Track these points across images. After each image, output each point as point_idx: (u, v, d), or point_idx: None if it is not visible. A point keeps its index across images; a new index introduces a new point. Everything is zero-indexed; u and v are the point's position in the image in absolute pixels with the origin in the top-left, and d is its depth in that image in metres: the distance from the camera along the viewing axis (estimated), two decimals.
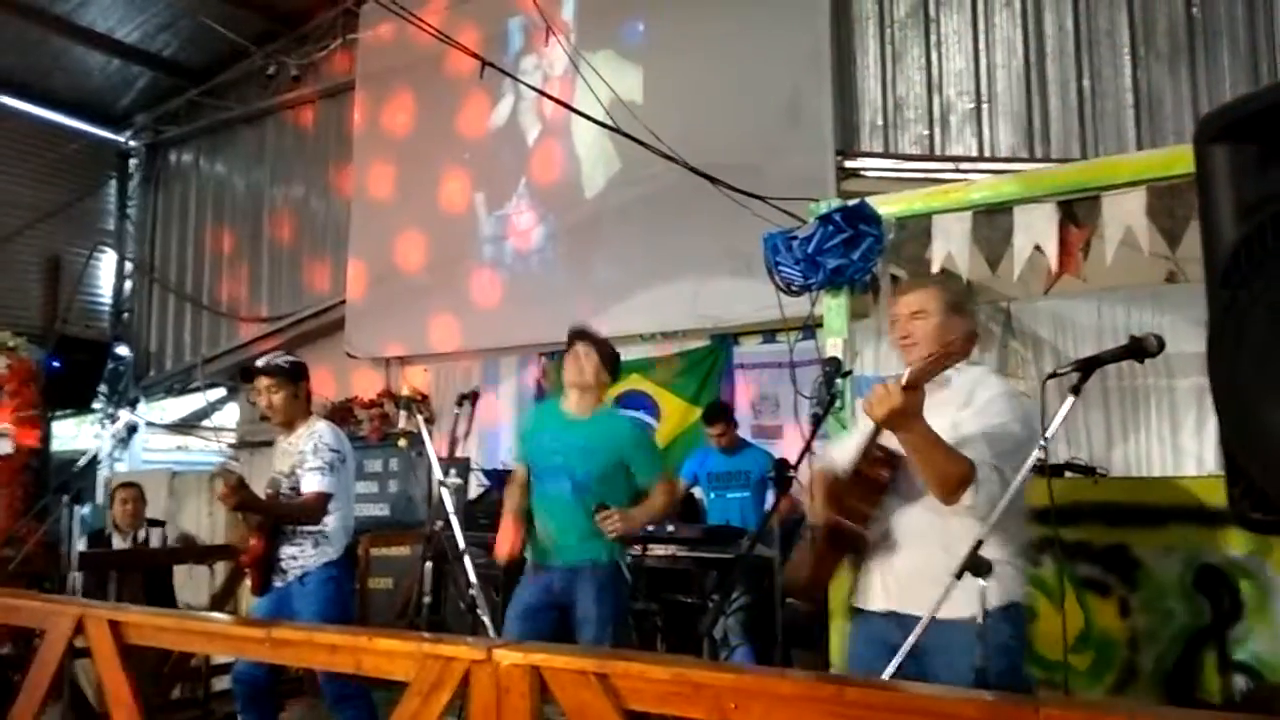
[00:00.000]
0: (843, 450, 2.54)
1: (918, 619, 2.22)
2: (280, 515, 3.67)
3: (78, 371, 9.76)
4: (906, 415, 2.18)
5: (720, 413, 5.72)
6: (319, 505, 3.64)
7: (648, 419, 7.28)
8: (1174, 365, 5.10)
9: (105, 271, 11.21)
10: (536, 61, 8.15)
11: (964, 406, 2.38)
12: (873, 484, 2.40)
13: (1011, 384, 2.40)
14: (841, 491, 2.42)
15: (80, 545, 5.10)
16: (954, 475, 2.22)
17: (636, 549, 4.92)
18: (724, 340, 7.04)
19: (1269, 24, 5.78)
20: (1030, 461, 2.18)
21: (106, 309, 11.16)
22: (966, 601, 2.11)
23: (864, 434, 2.42)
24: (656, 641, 5.13)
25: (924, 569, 2.30)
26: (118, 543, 5.96)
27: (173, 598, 5.88)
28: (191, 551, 6.14)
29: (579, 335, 3.70)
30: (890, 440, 2.33)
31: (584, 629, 3.38)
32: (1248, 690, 2.88)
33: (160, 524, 6.27)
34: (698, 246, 6.91)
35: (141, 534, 6.06)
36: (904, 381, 2.16)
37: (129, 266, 11.23)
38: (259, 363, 3.90)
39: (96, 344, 10.57)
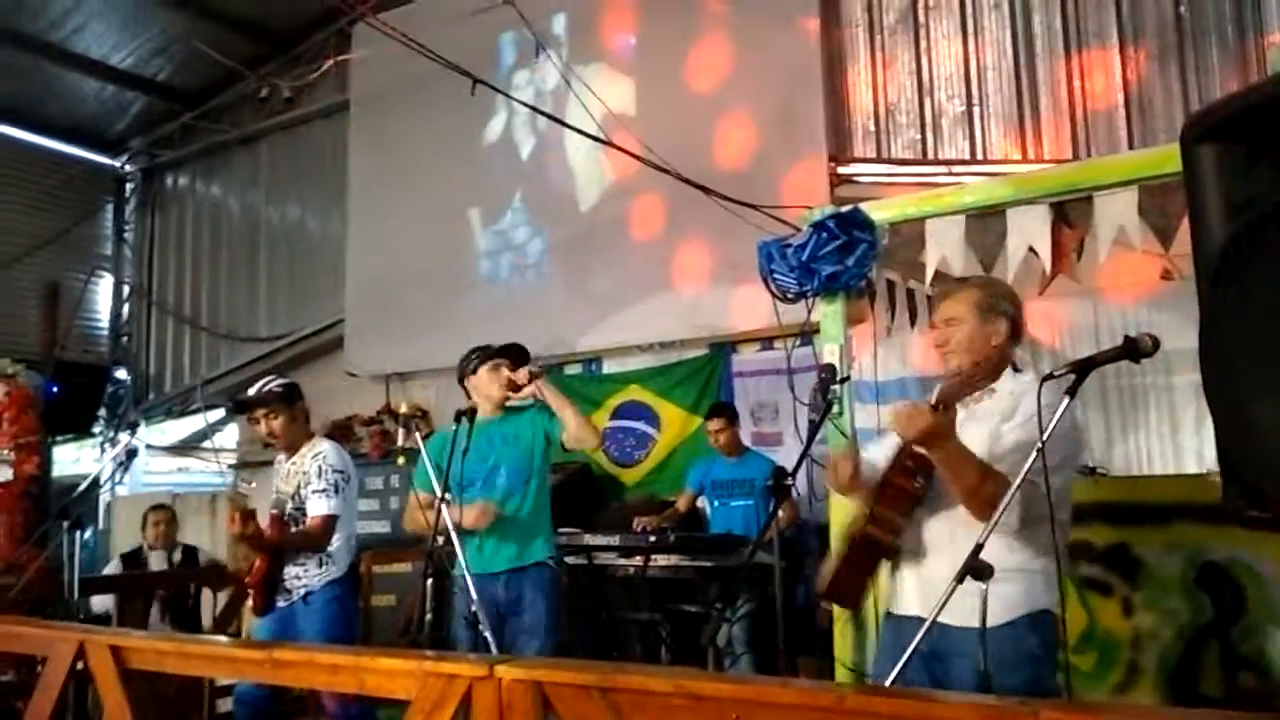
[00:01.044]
0: (878, 451, 2.53)
1: (948, 627, 2.21)
2: (290, 547, 3.66)
3: (77, 396, 9.75)
4: (937, 435, 2.19)
5: (720, 410, 5.71)
6: (327, 530, 3.64)
7: (647, 429, 7.29)
8: (1172, 362, 5.09)
9: (103, 296, 11.24)
10: (529, 76, 8.18)
11: (1009, 418, 2.36)
12: (904, 494, 2.41)
13: (1054, 395, 2.34)
14: (873, 499, 2.43)
15: (104, 568, 5.13)
16: (985, 492, 2.21)
17: (639, 560, 4.93)
18: (722, 349, 7.05)
19: (1257, 22, 5.81)
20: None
21: (105, 333, 11.18)
22: (993, 608, 2.09)
23: (894, 445, 2.42)
24: (661, 652, 5.12)
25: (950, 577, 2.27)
26: (155, 563, 6.07)
27: (199, 619, 5.88)
28: (191, 575, 6.12)
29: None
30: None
31: (531, 639, 3.45)
32: (1250, 687, 2.87)
33: (194, 550, 6.35)
34: (693, 256, 6.93)
35: (177, 555, 6.15)
36: (933, 401, 2.14)
37: (127, 290, 11.26)
38: (250, 393, 3.87)
39: (95, 368, 10.58)
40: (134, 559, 6.19)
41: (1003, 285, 2.71)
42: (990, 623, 2.10)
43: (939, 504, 2.40)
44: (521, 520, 3.58)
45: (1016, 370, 2.51)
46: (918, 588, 2.43)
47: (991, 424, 2.36)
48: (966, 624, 2.14)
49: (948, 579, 2.28)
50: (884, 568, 2.52)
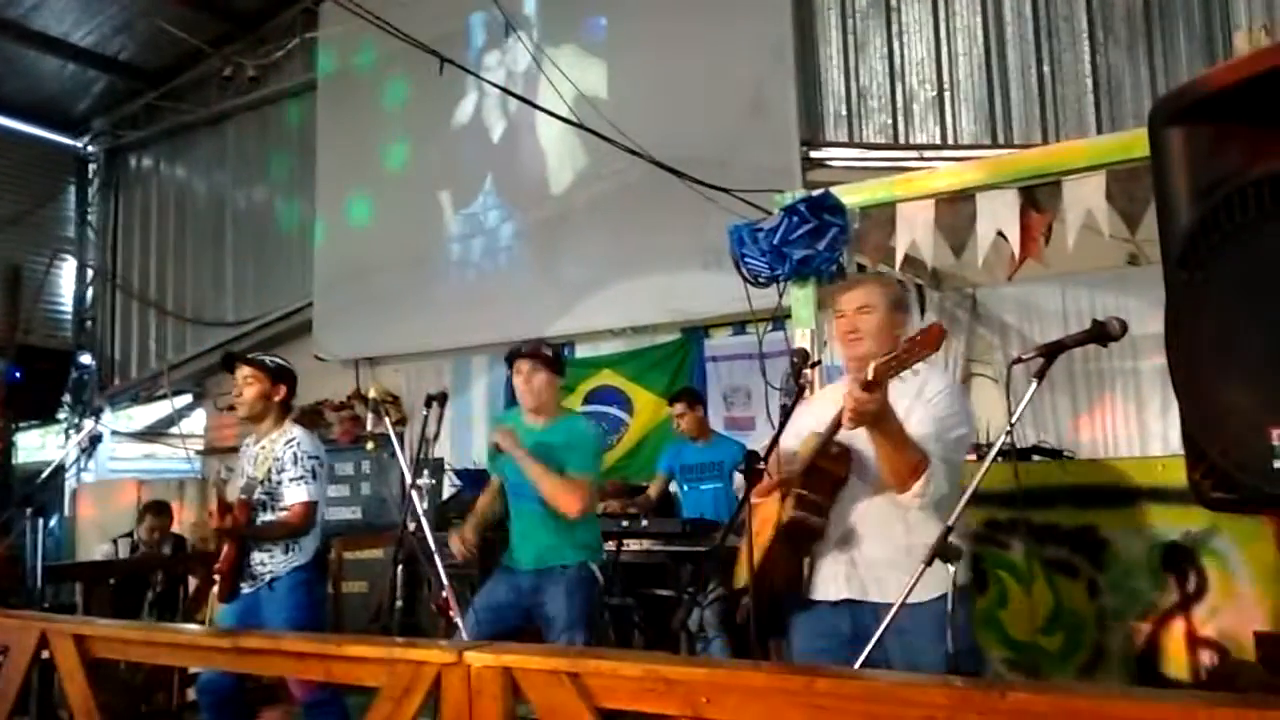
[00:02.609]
0: (794, 440, 2.55)
1: (877, 605, 2.29)
2: (270, 536, 3.62)
3: (40, 382, 9.61)
4: (880, 414, 2.24)
5: (682, 394, 5.71)
6: (308, 516, 3.61)
7: (619, 414, 7.28)
8: (1138, 347, 5.15)
9: (66, 280, 11.04)
10: (499, 58, 8.10)
11: (916, 397, 2.45)
12: (831, 477, 2.46)
13: (951, 379, 2.49)
14: (798, 484, 2.45)
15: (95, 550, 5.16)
16: (909, 466, 2.30)
17: (611, 545, 4.92)
18: (694, 333, 7.05)
19: (1224, 7, 5.86)
20: (1000, 442, 2.20)
21: (68, 318, 10.99)
22: (924, 585, 2.16)
23: (824, 430, 2.45)
24: (634, 636, 5.13)
25: (888, 556, 2.40)
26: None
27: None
28: (157, 562, 6.06)
29: (519, 355, 3.67)
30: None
31: (552, 628, 3.39)
32: (1213, 666, 2.92)
33: (183, 539, 6.44)
34: (666, 240, 6.90)
35: (166, 548, 6.19)
36: (869, 377, 2.18)
37: (90, 274, 11.06)
38: (247, 354, 3.88)
39: (59, 353, 10.41)
40: (132, 545, 6.24)
41: (903, 286, 2.81)
42: (923, 598, 2.20)
43: (861, 488, 2.47)
44: (552, 521, 3.48)
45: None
46: (844, 571, 2.47)
47: (903, 404, 2.40)
48: (888, 600, 2.23)
49: (877, 560, 2.41)
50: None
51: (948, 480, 2.32)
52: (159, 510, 6.35)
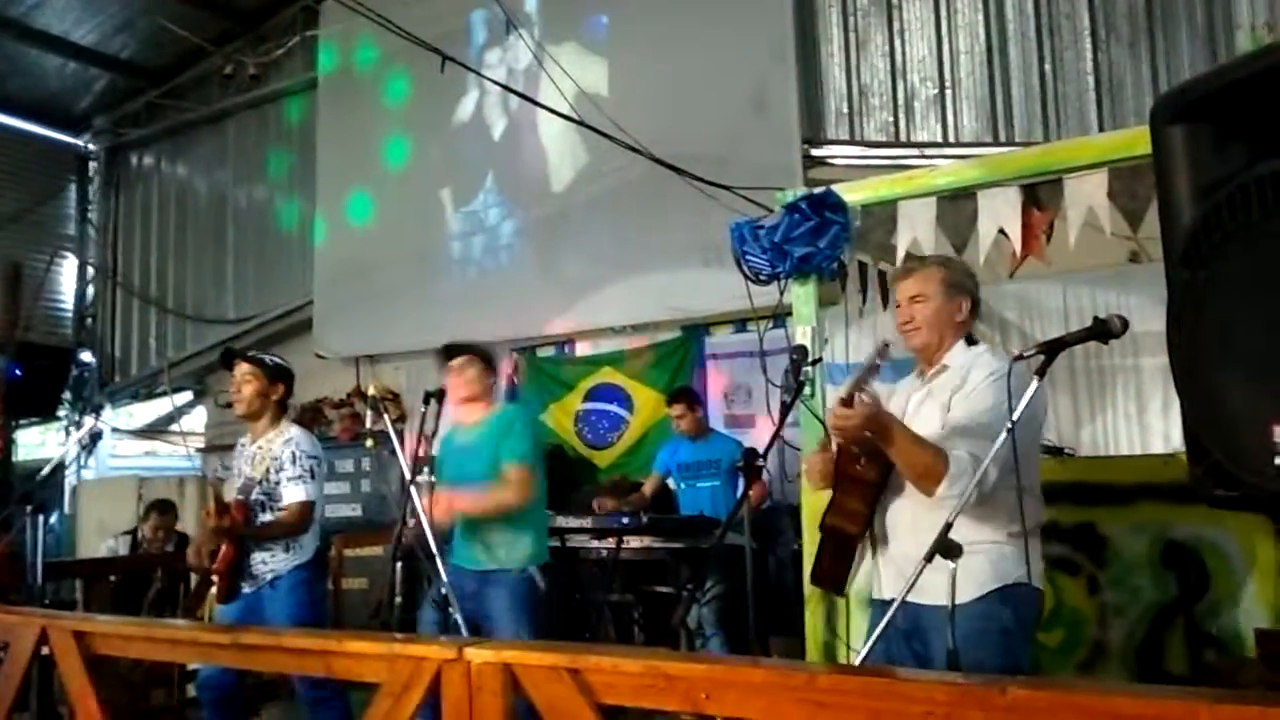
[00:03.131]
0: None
1: (922, 606, 2.25)
2: (268, 536, 3.62)
3: (41, 379, 9.61)
4: (867, 425, 2.24)
5: (681, 394, 5.71)
6: (306, 516, 3.61)
7: (620, 411, 7.28)
8: (1140, 344, 5.15)
9: (67, 277, 11.03)
10: (501, 55, 8.10)
11: (958, 390, 2.40)
12: (860, 482, 2.45)
13: (1005, 362, 2.36)
14: (835, 495, 2.48)
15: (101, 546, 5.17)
16: (924, 467, 2.26)
17: (610, 542, 4.93)
18: (695, 331, 7.04)
19: (1226, 6, 5.84)
20: (1001, 439, 2.13)
21: (69, 315, 10.98)
22: (963, 585, 2.11)
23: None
24: (634, 633, 5.13)
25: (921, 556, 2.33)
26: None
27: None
28: (157, 559, 6.07)
29: (448, 353, 3.72)
30: None
31: (493, 634, 3.39)
32: (1214, 663, 2.92)
33: (186, 538, 6.37)
34: (667, 238, 6.90)
35: (170, 546, 6.19)
36: (841, 395, 2.22)
37: (91, 272, 11.05)
38: (246, 352, 3.88)
39: (59, 351, 10.41)
40: (133, 542, 6.26)
41: (962, 263, 2.74)
42: (961, 599, 2.12)
43: (899, 488, 2.43)
44: (493, 524, 3.53)
45: (972, 343, 2.53)
46: (891, 571, 2.46)
47: (944, 398, 2.40)
48: (937, 602, 2.16)
49: (916, 559, 2.31)
50: (865, 554, 2.55)
51: (982, 476, 2.16)
52: (164, 509, 6.36)
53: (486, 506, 3.50)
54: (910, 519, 2.40)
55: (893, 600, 2.37)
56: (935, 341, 2.49)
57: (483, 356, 3.70)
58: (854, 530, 2.47)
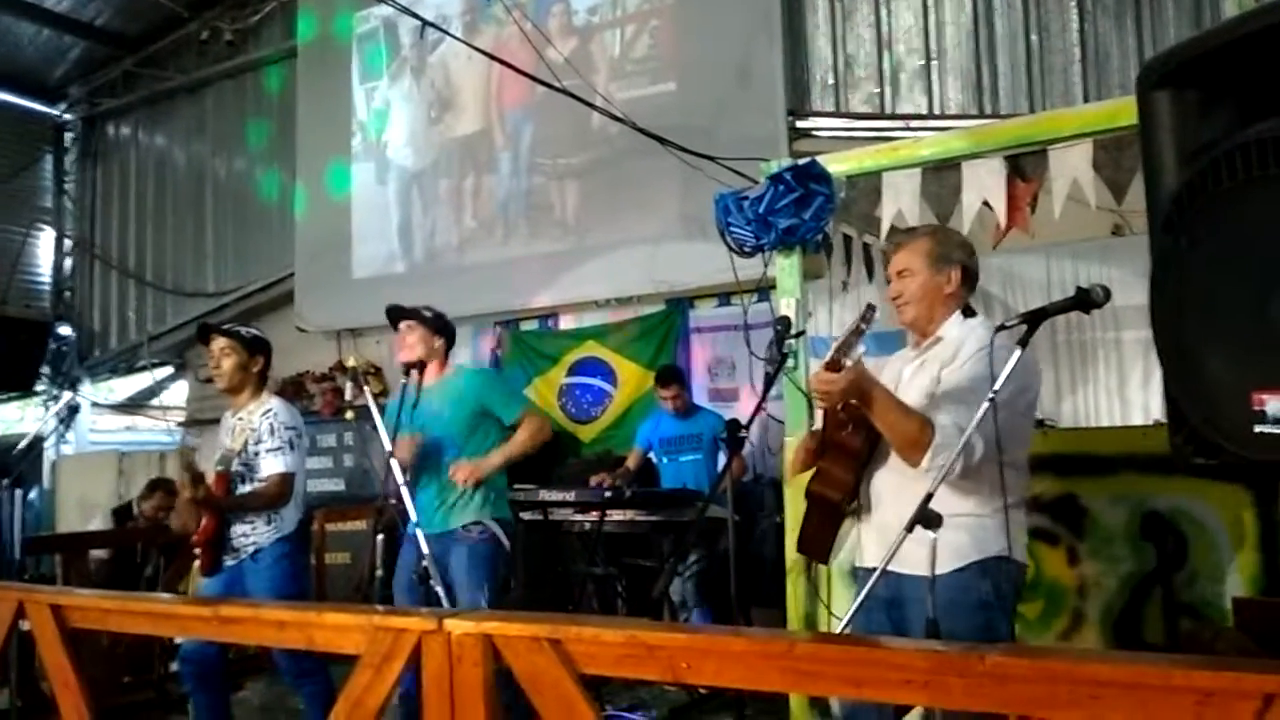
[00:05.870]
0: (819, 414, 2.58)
1: (904, 576, 2.25)
2: (245, 507, 3.60)
3: (18, 353, 9.50)
4: (852, 391, 2.23)
5: (674, 376, 5.71)
6: (284, 487, 3.58)
7: (604, 385, 7.26)
8: (1121, 318, 5.17)
9: (44, 249, 10.90)
10: (482, 25, 7.99)
11: (950, 362, 2.39)
12: (846, 450, 2.44)
13: (988, 338, 2.34)
14: (821, 462, 2.47)
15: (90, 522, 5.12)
16: (908, 435, 2.25)
17: (594, 515, 4.93)
18: (679, 304, 7.01)
19: None
20: (983, 410, 2.12)
21: (47, 288, 10.86)
22: (943, 556, 2.11)
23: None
24: (617, 606, 5.15)
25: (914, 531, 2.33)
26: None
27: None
28: (138, 534, 6.04)
29: (394, 315, 3.78)
30: None
31: (456, 591, 3.40)
32: (1192, 632, 2.94)
33: None
34: (651, 210, 6.86)
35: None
36: (825, 361, 2.22)
37: (69, 244, 10.92)
38: (222, 326, 3.84)
39: (37, 324, 10.29)
40: (125, 514, 6.18)
41: (954, 233, 2.71)
42: (942, 569, 2.13)
43: (885, 457, 2.43)
44: (450, 485, 3.54)
45: (970, 315, 2.51)
46: (874, 540, 2.46)
47: (934, 370, 2.40)
48: (917, 572, 2.16)
49: (898, 529, 2.32)
50: (849, 522, 2.55)
51: (969, 449, 2.16)
52: (169, 489, 6.29)
53: (517, 451, 3.58)
54: (895, 489, 2.40)
55: (875, 569, 2.39)
56: (925, 315, 2.47)
57: (424, 320, 3.72)
58: (838, 498, 2.46)
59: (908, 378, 2.49)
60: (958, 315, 2.48)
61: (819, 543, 2.54)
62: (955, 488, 2.25)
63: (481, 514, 3.55)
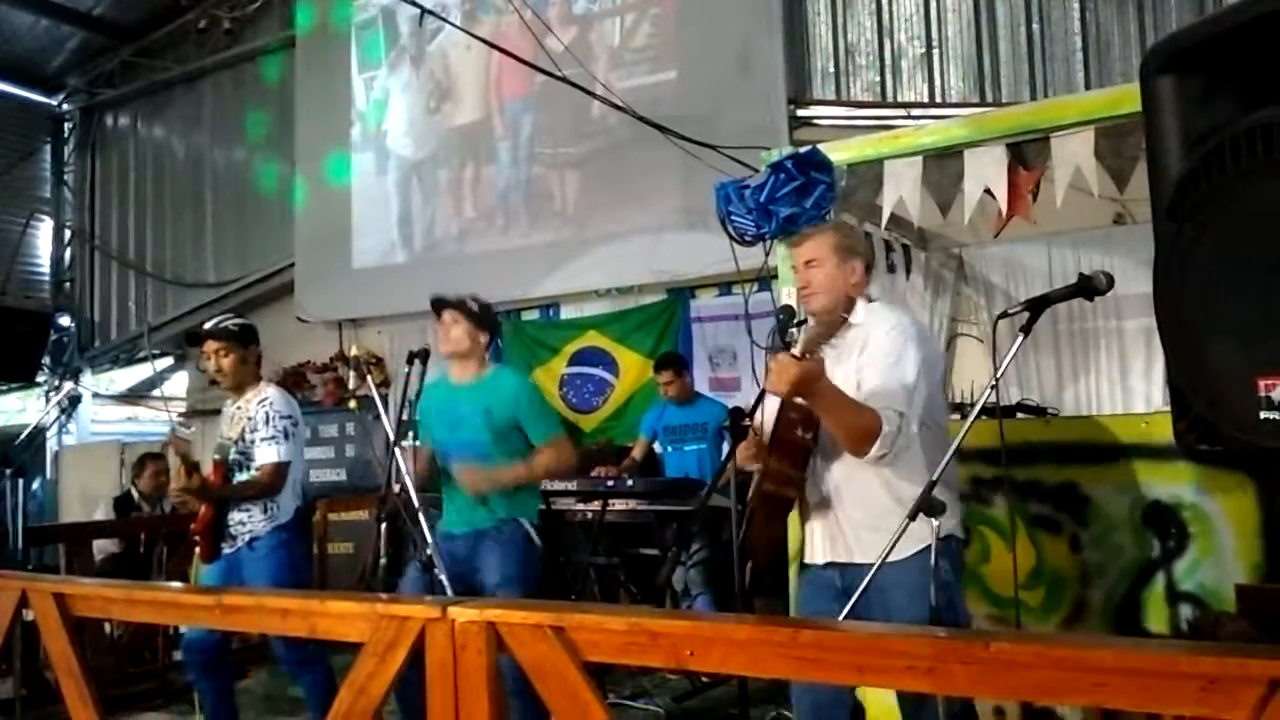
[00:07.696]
0: (769, 411, 2.55)
1: (860, 566, 2.29)
2: (240, 496, 3.60)
3: (18, 344, 9.48)
4: (808, 382, 2.23)
5: (671, 361, 5.71)
6: (278, 476, 3.58)
7: (605, 375, 7.26)
8: (1123, 307, 5.17)
9: (43, 240, 10.89)
10: (482, 14, 7.96)
11: (862, 352, 2.42)
12: (795, 447, 2.43)
13: (899, 313, 2.50)
14: (767, 457, 2.46)
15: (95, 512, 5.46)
16: (860, 429, 2.27)
17: (596, 504, 4.93)
18: (680, 294, 7.01)
19: None
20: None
21: (46, 279, 10.86)
22: (904, 541, 2.17)
23: (774, 401, 2.45)
24: (620, 595, 5.16)
25: (869, 518, 2.38)
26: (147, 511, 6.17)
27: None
28: (142, 524, 6.05)
29: (439, 305, 3.60)
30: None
31: (486, 589, 3.33)
32: (1193, 619, 2.95)
33: None
34: (651, 200, 6.85)
35: (167, 505, 6.09)
36: (796, 351, 2.23)
37: (68, 234, 10.90)
38: (206, 326, 3.79)
39: (37, 315, 10.27)
40: (126, 504, 6.19)
41: (853, 228, 2.77)
42: (904, 554, 2.20)
43: (831, 451, 2.44)
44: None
45: (869, 300, 2.56)
46: (826, 535, 2.48)
47: (851, 361, 2.42)
48: (869, 560, 2.22)
49: (859, 522, 2.40)
50: (793, 522, 2.56)
51: (904, 430, 2.26)
52: (156, 456, 6.31)
53: (537, 474, 3.48)
54: (841, 482, 2.44)
55: (829, 564, 2.46)
56: (831, 305, 2.51)
57: (469, 314, 3.57)
58: (794, 495, 2.47)
59: (827, 368, 2.49)
60: (862, 302, 2.53)
61: (761, 544, 2.51)
62: (908, 473, 2.31)
63: (514, 512, 3.46)
